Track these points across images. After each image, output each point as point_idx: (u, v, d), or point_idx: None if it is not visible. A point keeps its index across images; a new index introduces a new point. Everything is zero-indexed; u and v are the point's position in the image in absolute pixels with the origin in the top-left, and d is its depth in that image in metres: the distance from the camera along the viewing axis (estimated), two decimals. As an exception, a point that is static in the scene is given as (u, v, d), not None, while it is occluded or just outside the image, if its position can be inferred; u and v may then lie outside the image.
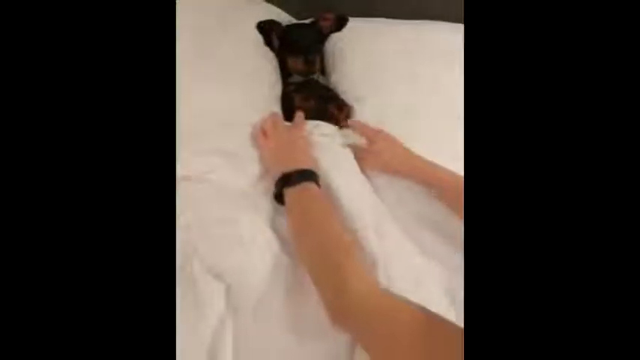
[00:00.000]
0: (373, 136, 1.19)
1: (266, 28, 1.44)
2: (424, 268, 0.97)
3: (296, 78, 1.45)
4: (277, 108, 1.32)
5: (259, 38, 1.42)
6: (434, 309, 0.69)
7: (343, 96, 1.41)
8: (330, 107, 1.37)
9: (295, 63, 1.43)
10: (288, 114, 1.31)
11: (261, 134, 1.14)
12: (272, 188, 1.04)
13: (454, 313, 0.88)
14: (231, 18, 1.39)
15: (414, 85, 1.35)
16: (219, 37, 1.33)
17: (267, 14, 1.49)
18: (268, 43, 1.44)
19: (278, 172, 1.02)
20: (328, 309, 0.79)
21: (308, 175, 1.00)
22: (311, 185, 0.98)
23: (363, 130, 1.21)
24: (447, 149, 1.16)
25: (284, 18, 1.54)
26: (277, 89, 1.39)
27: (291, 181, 0.98)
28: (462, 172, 1.08)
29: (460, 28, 1.52)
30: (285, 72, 1.46)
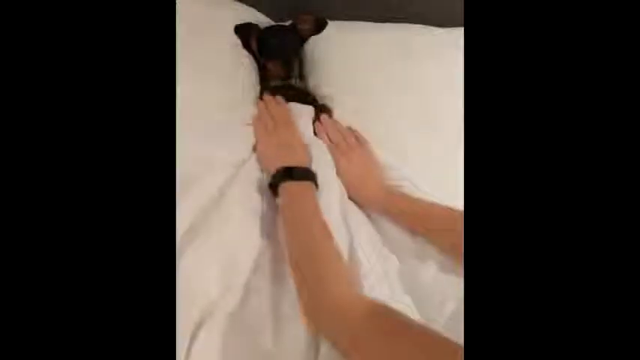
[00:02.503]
0: (346, 147, 1.17)
1: (244, 31, 1.41)
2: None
3: (274, 82, 1.42)
4: (254, 110, 1.30)
5: (237, 41, 1.40)
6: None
7: (320, 99, 1.40)
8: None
9: (273, 67, 1.40)
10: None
11: (262, 125, 1.14)
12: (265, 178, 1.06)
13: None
14: (209, 20, 1.37)
15: (395, 88, 1.33)
16: (196, 39, 1.30)
17: (245, 16, 1.47)
18: (246, 46, 1.42)
19: (277, 163, 1.03)
20: (303, 304, 0.80)
21: (309, 175, 1.02)
22: (310, 184, 1.00)
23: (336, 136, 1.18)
24: (430, 156, 1.19)
25: (262, 20, 1.52)
26: (255, 91, 1.38)
27: (293, 176, 1.00)
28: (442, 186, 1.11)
29: (441, 31, 1.52)
30: (263, 75, 1.44)
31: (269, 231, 1.01)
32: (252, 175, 1.11)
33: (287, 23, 1.50)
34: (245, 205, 1.04)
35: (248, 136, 1.20)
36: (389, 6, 1.59)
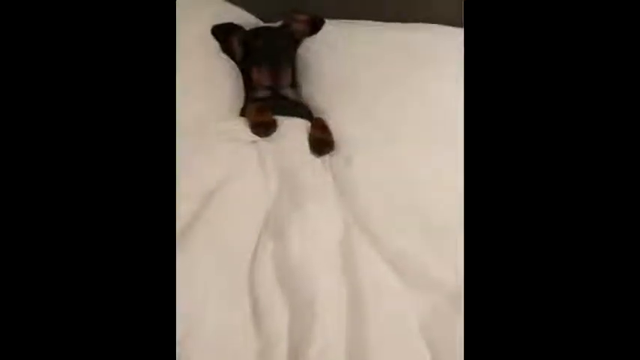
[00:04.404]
0: None
1: (223, 33, 1.25)
2: None
3: (262, 92, 1.25)
4: (234, 125, 1.14)
5: (214, 44, 1.24)
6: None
7: (316, 111, 1.23)
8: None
9: (259, 74, 1.23)
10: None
11: None
12: None
13: None
14: (180, 19, 1.15)
15: (397, 96, 1.18)
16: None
17: (228, 16, 1.31)
18: (227, 50, 1.25)
19: None
20: None
21: None
22: None
23: None
24: (432, 169, 1.04)
25: (250, 21, 1.36)
26: (236, 104, 1.22)
27: None
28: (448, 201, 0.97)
29: (445, 30, 1.34)
30: (248, 85, 1.27)
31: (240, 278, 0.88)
32: (224, 207, 0.95)
33: (277, 24, 1.34)
34: (214, 248, 0.88)
35: (221, 160, 1.03)
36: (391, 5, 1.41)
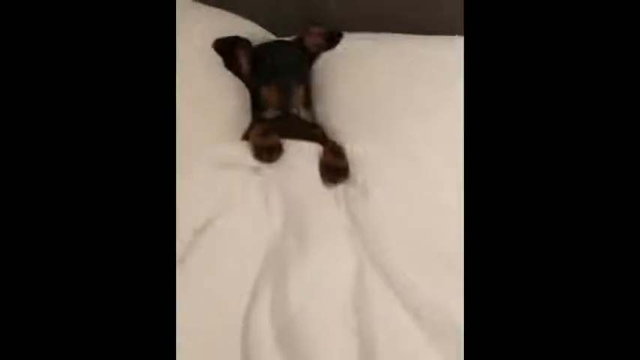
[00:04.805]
0: None
1: (226, 47, 1.15)
2: None
3: (270, 112, 1.14)
4: (235, 149, 1.06)
5: (217, 58, 1.13)
6: None
7: (331, 133, 1.11)
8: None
9: (269, 93, 1.12)
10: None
11: None
12: None
13: None
14: (180, 31, 1.07)
15: (419, 113, 1.08)
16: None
17: (237, 30, 1.21)
18: (231, 65, 1.15)
19: None
20: None
21: None
22: None
23: None
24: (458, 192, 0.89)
25: (257, 34, 1.26)
26: (239, 125, 1.11)
27: None
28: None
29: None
30: (256, 104, 1.16)
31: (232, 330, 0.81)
32: (217, 245, 0.88)
33: (290, 38, 1.24)
34: (202, 294, 0.81)
35: (217, 189, 0.96)
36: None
